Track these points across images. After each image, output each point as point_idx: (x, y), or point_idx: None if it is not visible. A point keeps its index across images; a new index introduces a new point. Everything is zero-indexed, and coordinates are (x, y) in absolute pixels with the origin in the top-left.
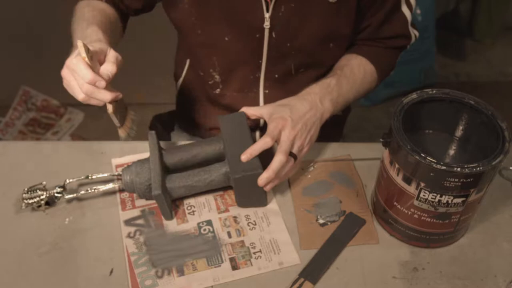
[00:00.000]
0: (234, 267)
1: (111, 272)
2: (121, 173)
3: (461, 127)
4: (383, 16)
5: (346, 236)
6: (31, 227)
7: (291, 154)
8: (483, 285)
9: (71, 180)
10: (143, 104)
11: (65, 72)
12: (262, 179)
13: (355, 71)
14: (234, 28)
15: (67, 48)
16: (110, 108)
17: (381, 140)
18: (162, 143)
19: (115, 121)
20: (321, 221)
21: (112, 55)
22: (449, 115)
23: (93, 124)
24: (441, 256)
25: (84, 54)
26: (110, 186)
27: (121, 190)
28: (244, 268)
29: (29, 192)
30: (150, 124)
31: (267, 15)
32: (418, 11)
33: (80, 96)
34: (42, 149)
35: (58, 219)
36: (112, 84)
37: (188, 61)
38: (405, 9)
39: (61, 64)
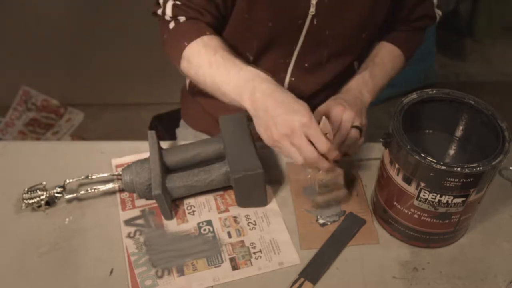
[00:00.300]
0: (234, 267)
1: (111, 272)
2: (121, 173)
3: (461, 127)
4: (415, 0)
5: (346, 236)
6: (31, 227)
7: (355, 126)
8: (483, 285)
9: (71, 180)
10: (143, 104)
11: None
12: (331, 150)
13: (385, 60)
14: (279, 14)
15: (67, 48)
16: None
17: (381, 140)
18: (162, 143)
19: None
20: (321, 221)
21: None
22: (449, 115)
23: (93, 124)
24: (441, 256)
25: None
26: (110, 186)
27: (121, 190)
28: (244, 268)
29: (29, 192)
30: (150, 124)
31: (313, 1)
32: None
33: (300, 160)
34: (42, 149)
35: (58, 219)
36: (111, 84)
37: None
38: None
39: (61, 64)
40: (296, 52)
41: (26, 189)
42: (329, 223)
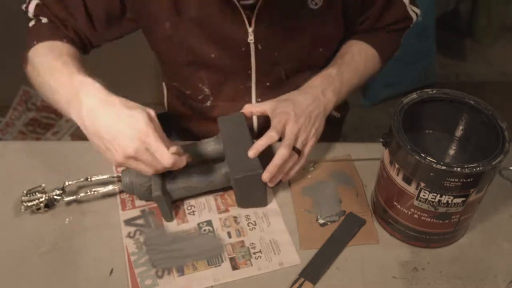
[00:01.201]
0: (234, 267)
1: (111, 272)
2: (120, 174)
3: (461, 127)
4: (381, 6)
5: (346, 236)
6: (31, 227)
7: (294, 148)
8: (483, 285)
9: (70, 183)
10: (143, 104)
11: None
12: (265, 174)
13: (356, 58)
14: (219, 45)
15: None
16: None
17: (381, 140)
18: None
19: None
20: (321, 221)
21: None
22: (449, 115)
23: None
24: (441, 256)
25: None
26: (109, 188)
27: (121, 191)
28: (244, 268)
29: (28, 195)
30: None
31: (250, 30)
32: (418, 11)
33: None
34: (42, 149)
35: (58, 219)
36: (111, 84)
37: (165, 87)
38: None
39: None
40: (253, 75)
41: (25, 192)
42: (329, 223)
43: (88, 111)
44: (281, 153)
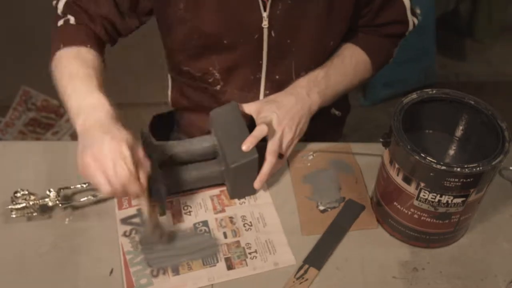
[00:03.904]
0: (229, 267)
1: (111, 272)
2: None
3: (461, 127)
4: (381, 2)
5: (347, 222)
6: (31, 227)
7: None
8: (483, 285)
9: (65, 189)
10: (143, 104)
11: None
12: (257, 183)
13: (345, 62)
14: (232, 31)
15: None
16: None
17: (381, 140)
18: (158, 143)
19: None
20: (321, 207)
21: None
22: (449, 115)
23: None
24: (441, 256)
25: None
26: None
27: None
28: (239, 268)
29: (19, 203)
30: (150, 124)
31: (265, 14)
32: (418, 11)
33: (107, 189)
34: (42, 149)
35: (58, 219)
36: (111, 83)
37: (170, 80)
38: None
39: None
40: (264, 66)
41: (18, 197)
42: (329, 210)
43: (90, 125)
44: (269, 161)
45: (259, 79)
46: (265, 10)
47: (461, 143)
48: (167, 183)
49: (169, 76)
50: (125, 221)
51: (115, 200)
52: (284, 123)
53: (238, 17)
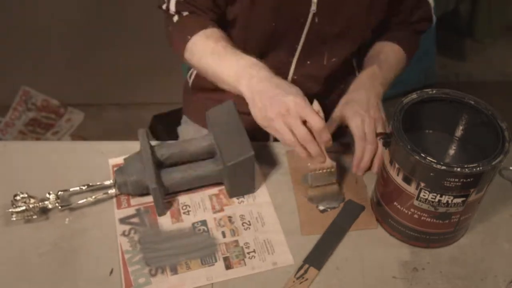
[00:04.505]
0: (228, 267)
1: (111, 272)
2: (115, 179)
3: (461, 127)
4: (413, 2)
5: (347, 222)
6: (31, 227)
7: (380, 134)
8: (483, 285)
9: (63, 192)
10: (143, 104)
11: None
12: (354, 168)
13: (390, 56)
14: (282, 13)
15: (67, 48)
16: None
17: (381, 140)
18: (156, 143)
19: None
20: (321, 207)
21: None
22: (449, 115)
23: (93, 124)
24: (441, 256)
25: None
26: (105, 194)
27: (117, 195)
28: (237, 268)
29: (19, 206)
30: (150, 124)
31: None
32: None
33: (291, 139)
34: (42, 149)
35: (58, 219)
36: (111, 84)
37: None
38: None
39: (61, 64)
40: (299, 50)
41: (18, 200)
42: (329, 210)
43: (259, 77)
44: (369, 150)
45: (291, 62)
46: None
47: (461, 143)
48: (165, 183)
49: None
50: (123, 220)
51: (114, 200)
52: (371, 114)
53: (289, 2)
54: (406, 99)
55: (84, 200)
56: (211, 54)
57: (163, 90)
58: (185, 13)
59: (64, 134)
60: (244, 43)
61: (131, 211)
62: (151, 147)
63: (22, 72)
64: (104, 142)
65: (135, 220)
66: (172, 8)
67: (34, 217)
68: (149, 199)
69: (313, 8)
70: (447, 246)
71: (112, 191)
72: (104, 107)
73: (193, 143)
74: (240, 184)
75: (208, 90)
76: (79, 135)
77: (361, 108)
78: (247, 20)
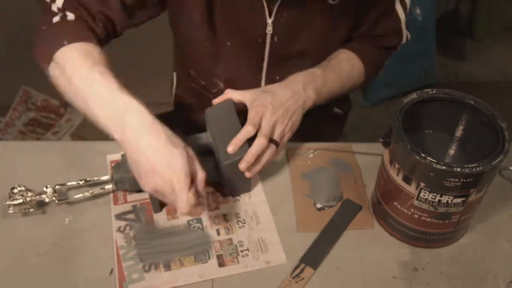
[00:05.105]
0: (221, 264)
1: (111, 272)
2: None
3: (461, 127)
4: (377, 14)
5: (343, 222)
6: (31, 226)
7: (272, 140)
8: (483, 285)
9: (60, 186)
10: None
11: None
12: (242, 163)
13: (342, 65)
14: (236, 36)
15: None
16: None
17: (381, 140)
18: None
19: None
20: (318, 205)
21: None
22: (449, 115)
23: (93, 124)
24: (441, 256)
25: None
26: (102, 190)
27: (114, 191)
28: (230, 266)
29: (16, 199)
30: None
31: (269, 21)
32: (418, 11)
33: (185, 208)
34: (42, 149)
35: (58, 219)
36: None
37: (175, 77)
38: (398, 8)
39: None
40: (265, 68)
41: (15, 193)
42: (326, 208)
43: (132, 135)
44: (258, 142)
45: (260, 80)
46: (270, 17)
47: (461, 143)
48: None
49: (174, 73)
50: (119, 216)
51: (111, 195)
52: (278, 113)
53: (243, 22)
54: (406, 99)
55: (81, 194)
56: (84, 78)
57: (161, 90)
58: (70, 16)
59: (64, 134)
60: (215, 69)
61: (127, 207)
62: None
63: (22, 72)
64: (103, 142)
65: (131, 216)
66: (59, 4)
67: (31, 210)
68: (146, 195)
69: (269, 29)
70: (447, 246)
71: (109, 186)
72: None
73: (191, 142)
74: (236, 183)
75: (190, 109)
76: (79, 135)
77: (272, 103)
78: (208, 47)
